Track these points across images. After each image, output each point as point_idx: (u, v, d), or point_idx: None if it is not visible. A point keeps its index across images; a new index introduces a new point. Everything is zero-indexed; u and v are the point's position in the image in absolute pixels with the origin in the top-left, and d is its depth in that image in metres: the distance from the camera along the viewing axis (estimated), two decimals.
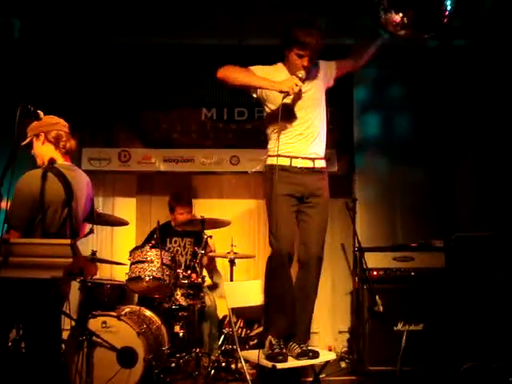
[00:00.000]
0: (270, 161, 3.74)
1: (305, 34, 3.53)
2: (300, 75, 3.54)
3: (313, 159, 3.72)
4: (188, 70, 6.12)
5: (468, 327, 4.66)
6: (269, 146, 3.85)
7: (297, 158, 3.69)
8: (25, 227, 2.96)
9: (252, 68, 3.76)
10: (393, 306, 4.92)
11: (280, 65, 3.84)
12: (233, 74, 3.71)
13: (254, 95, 3.82)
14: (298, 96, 3.66)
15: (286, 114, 3.64)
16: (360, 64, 4.10)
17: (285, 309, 3.61)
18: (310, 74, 3.74)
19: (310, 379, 4.17)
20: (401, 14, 3.59)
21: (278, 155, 3.60)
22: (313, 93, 3.77)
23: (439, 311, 4.84)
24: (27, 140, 3.29)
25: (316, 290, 3.74)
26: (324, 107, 3.86)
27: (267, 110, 3.82)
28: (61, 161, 3.28)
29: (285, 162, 3.66)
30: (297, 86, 3.49)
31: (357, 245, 5.31)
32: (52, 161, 3.19)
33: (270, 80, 3.61)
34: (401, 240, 5.84)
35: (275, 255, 3.60)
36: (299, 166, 3.68)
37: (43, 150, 3.28)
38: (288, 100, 3.60)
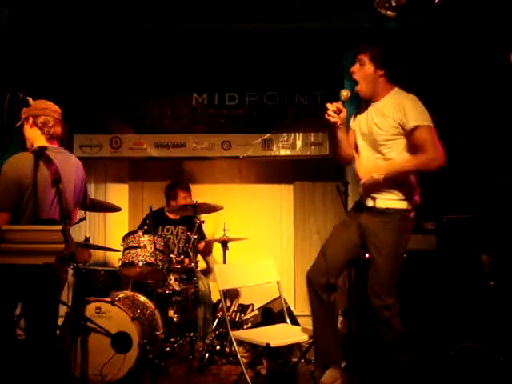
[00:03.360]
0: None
1: None
2: None
3: None
4: (178, 55, 6.11)
5: (459, 309, 4.70)
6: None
7: None
8: (12, 209, 2.96)
9: None
10: None
11: None
12: None
13: None
14: None
15: None
16: None
17: (316, 337, 3.53)
18: None
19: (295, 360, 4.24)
20: None
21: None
22: None
23: (431, 293, 4.87)
24: (19, 122, 3.30)
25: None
26: None
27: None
28: (45, 144, 3.27)
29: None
30: None
31: None
32: (41, 146, 3.20)
33: None
34: None
35: None
36: None
37: (30, 134, 3.29)
38: None
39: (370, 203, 3.35)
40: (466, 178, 5.68)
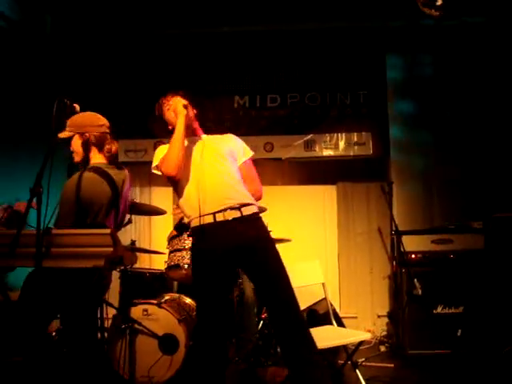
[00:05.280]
0: None
1: None
2: None
3: None
4: (220, 59, 6.15)
5: (508, 309, 4.59)
6: None
7: None
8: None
9: None
10: (432, 289, 4.88)
11: None
12: None
13: None
14: None
15: None
16: None
17: None
18: None
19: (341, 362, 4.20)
20: None
21: None
22: None
23: (479, 293, 4.78)
24: (68, 134, 3.23)
25: None
26: None
27: None
28: (103, 161, 3.25)
29: None
30: None
31: (394, 228, 5.28)
32: (99, 165, 3.19)
33: None
34: (439, 222, 5.77)
35: None
36: None
37: (83, 149, 3.23)
38: None
39: None
40: None
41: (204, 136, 3.46)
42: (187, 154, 3.27)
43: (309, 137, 6.06)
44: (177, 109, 3.28)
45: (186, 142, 3.27)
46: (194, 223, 3.17)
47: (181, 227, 4.83)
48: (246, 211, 3.14)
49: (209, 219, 3.11)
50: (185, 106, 3.28)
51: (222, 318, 3.14)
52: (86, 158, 3.24)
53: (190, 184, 3.22)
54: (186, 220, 3.33)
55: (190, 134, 3.39)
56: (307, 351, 3.02)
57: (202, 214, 3.12)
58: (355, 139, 6.03)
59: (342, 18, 5.87)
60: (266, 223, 3.27)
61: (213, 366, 3.09)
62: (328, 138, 6.07)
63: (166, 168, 3.16)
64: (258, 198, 3.42)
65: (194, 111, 3.45)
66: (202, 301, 3.17)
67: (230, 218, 3.10)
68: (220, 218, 3.10)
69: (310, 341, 3.05)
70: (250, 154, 3.47)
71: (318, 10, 5.74)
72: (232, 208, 3.11)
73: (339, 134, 6.06)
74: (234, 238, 3.10)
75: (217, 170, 3.22)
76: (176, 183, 3.24)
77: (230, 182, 3.22)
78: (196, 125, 3.47)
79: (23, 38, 5.51)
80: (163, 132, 6.07)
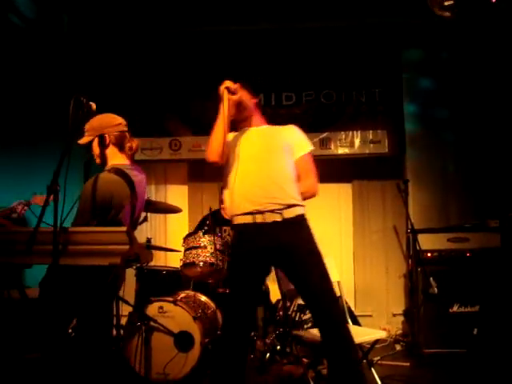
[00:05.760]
0: None
1: None
2: None
3: None
4: (235, 57, 6.15)
5: None
6: None
7: None
8: None
9: None
10: (448, 287, 4.87)
11: None
12: None
13: None
14: None
15: None
16: None
17: None
18: None
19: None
20: None
21: None
22: None
23: (495, 292, 4.74)
24: (88, 139, 3.23)
25: None
26: None
27: None
28: (124, 162, 3.26)
29: None
30: None
31: (409, 227, 5.26)
32: (119, 166, 3.20)
33: None
34: (455, 221, 5.74)
35: None
36: None
37: (104, 151, 3.23)
38: None
39: None
40: None
41: (263, 127, 3.39)
42: (240, 144, 3.25)
43: (324, 135, 6.05)
44: (222, 95, 3.25)
45: (240, 132, 3.29)
46: (235, 220, 3.17)
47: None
48: (288, 214, 3.07)
49: (248, 219, 3.09)
50: (228, 90, 3.23)
51: (249, 313, 3.15)
52: (107, 159, 3.24)
53: (237, 177, 3.18)
54: (226, 215, 3.31)
55: (248, 124, 3.36)
56: (344, 353, 3.02)
57: (242, 212, 3.12)
58: (371, 137, 6.01)
59: (357, 15, 5.85)
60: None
61: (235, 361, 3.11)
62: (343, 136, 6.06)
63: (207, 154, 3.18)
64: (312, 195, 3.31)
65: (253, 100, 3.40)
66: (233, 296, 3.18)
67: (270, 221, 3.05)
68: (259, 219, 3.07)
69: (346, 345, 3.03)
70: (308, 148, 3.35)
71: (334, 8, 5.73)
72: (273, 210, 3.05)
73: (355, 132, 6.04)
74: (271, 242, 3.06)
75: (267, 165, 3.16)
76: (222, 173, 3.24)
77: (277, 180, 3.13)
78: (255, 115, 3.40)
79: (40, 37, 5.56)
80: (179, 130, 6.19)
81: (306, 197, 3.27)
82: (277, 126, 3.43)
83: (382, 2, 5.60)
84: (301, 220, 3.13)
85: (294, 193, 3.15)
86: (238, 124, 3.40)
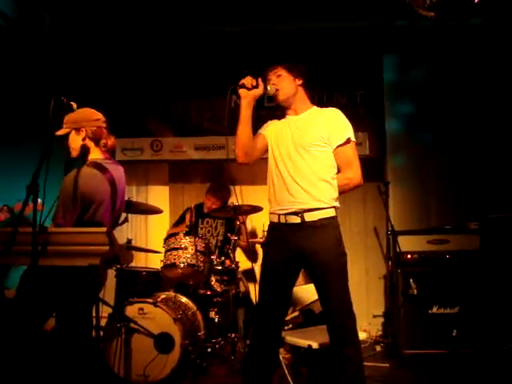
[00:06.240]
0: None
1: None
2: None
3: None
4: (217, 58, 6.13)
5: (504, 309, 4.60)
6: None
7: None
8: (72, 225, 2.97)
9: None
10: (427, 289, 4.89)
11: None
12: None
13: None
14: None
15: None
16: None
17: None
18: None
19: None
20: None
21: None
22: None
23: (475, 294, 4.79)
24: (65, 131, 3.23)
25: None
26: None
27: None
28: (101, 157, 3.25)
29: None
30: None
31: (390, 228, 5.29)
32: (98, 160, 3.19)
33: None
34: (435, 223, 5.78)
35: None
36: None
37: (80, 145, 3.24)
38: None
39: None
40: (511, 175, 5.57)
41: (303, 115, 3.29)
42: (276, 139, 3.24)
43: None
44: (240, 94, 3.26)
45: (280, 122, 3.30)
46: (269, 217, 3.20)
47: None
48: (310, 217, 3.02)
49: (275, 218, 3.11)
50: (242, 86, 3.25)
51: (277, 312, 3.14)
52: (83, 154, 3.25)
53: (274, 175, 3.18)
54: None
55: (292, 111, 3.32)
56: (348, 373, 3.00)
57: (272, 211, 3.14)
58: None
59: (339, 18, 5.87)
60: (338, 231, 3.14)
61: (266, 365, 3.15)
62: None
63: (236, 155, 3.20)
64: (355, 186, 3.23)
65: (298, 81, 3.35)
66: (261, 295, 3.16)
67: (291, 223, 3.04)
68: (283, 220, 3.06)
69: (352, 365, 3.00)
70: (345, 137, 3.15)
71: (315, 10, 5.74)
72: (294, 213, 3.03)
73: None
74: (292, 244, 3.04)
75: (294, 167, 3.09)
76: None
77: (302, 183, 3.05)
78: (299, 98, 3.35)
79: (21, 36, 5.50)
80: (160, 131, 6.16)
81: (350, 188, 3.22)
82: (318, 111, 3.32)
83: (364, 5, 5.62)
84: (325, 224, 3.06)
85: (321, 195, 3.06)
86: (284, 111, 3.36)
